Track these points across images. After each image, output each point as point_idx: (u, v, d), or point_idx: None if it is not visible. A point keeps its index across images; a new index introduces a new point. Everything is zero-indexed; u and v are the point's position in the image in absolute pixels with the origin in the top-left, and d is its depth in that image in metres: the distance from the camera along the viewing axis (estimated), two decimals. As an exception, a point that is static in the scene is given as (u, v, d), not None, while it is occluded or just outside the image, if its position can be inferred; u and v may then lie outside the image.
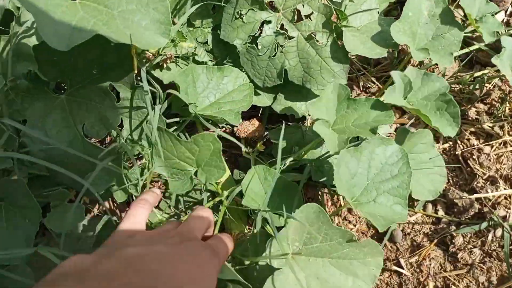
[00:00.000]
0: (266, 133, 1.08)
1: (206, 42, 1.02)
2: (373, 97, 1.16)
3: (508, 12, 1.18)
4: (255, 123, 1.09)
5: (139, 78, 0.84)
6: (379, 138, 0.76)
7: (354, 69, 1.20)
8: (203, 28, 1.03)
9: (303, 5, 0.94)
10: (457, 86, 1.13)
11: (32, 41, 0.87)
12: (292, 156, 0.93)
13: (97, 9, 0.73)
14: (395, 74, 0.90)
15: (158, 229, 0.65)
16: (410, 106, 0.87)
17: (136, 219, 0.64)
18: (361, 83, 1.20)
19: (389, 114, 0.85)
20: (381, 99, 0.88)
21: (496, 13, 1.19)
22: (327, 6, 0.92)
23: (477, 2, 0.97)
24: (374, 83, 1.19)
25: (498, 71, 1.12)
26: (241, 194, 0.86)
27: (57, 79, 0.88)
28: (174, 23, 0.95)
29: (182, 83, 0.91)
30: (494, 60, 0.93)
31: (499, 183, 0.95)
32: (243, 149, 1.06)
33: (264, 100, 1.04)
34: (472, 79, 1.11)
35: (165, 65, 0.91)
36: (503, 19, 1.19)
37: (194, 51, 0.99)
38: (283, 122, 0.93)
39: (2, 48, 0.85)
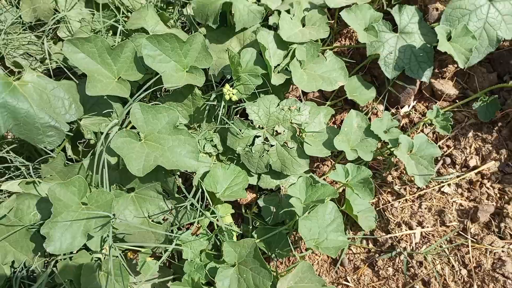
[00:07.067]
0: (257, 200, 1.66)
1: (212, 140, 1.59)
2: (326, 175, 1.76)
3: (410, 107, 1.80)
4: (249, 195, 1.67)
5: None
6: (321, 205, 1.36)
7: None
8: (209, 130, 1.60)
9: (278, 125, 1.53)
10: (380, 157, 1.75)
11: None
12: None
13: (155, 146, 1.29)
14: (338, 167, 1.50)
15: None
16: (347, 183, 1.47)
17: None
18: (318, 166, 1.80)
19: (335, 192, 1.45)
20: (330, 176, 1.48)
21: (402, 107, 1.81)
22: (293, 126, 1.51)
23: (384, 124, 1.58)
24: (328, 166, 1.79)
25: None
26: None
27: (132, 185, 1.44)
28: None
29: (208, 181, 1.48)
30: (395, 152, 1.53)
31: (402, 226, 1.56)
32: (243, 211, 1.65)
33: (253, 180, 1.63)
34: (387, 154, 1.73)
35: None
36: (407, 112, 1.81)
37: (203, 146, 1.57)
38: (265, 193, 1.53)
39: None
